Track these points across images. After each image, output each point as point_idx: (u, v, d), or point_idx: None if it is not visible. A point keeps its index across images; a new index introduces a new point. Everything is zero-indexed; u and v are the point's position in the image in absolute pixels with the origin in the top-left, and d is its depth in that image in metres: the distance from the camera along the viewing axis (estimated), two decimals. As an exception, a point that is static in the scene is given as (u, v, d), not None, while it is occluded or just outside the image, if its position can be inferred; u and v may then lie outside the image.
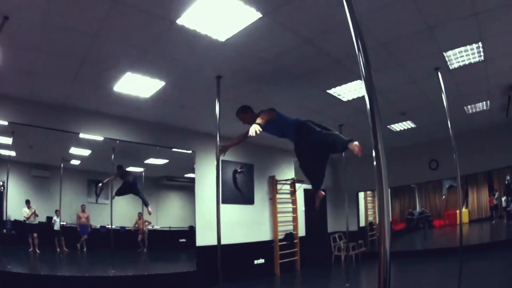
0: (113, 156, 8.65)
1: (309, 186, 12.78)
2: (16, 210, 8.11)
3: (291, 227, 11.92)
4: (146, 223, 10.44)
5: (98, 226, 9.24)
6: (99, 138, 8.10)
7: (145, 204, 9.86)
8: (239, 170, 10.53)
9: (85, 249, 9.30)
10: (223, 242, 5.61)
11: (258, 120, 4.70)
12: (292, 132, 5.17)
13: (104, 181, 9.22)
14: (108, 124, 8.15)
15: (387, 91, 7.25)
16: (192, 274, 8.81)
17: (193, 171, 9.57)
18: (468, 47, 5.65)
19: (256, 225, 10.85)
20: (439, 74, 6.03)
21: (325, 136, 4.64)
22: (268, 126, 5.01)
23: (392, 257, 1.61)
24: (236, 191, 10.49)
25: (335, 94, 7.39)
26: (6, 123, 6.92)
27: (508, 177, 15.01)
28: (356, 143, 4.31)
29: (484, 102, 8.49)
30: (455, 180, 5.90)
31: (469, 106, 8.67)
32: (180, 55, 5.50)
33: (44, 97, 7.04)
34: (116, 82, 6.38)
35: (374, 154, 1.67)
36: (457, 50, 5.72)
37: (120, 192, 9.20)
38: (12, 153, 7.86)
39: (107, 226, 8.98)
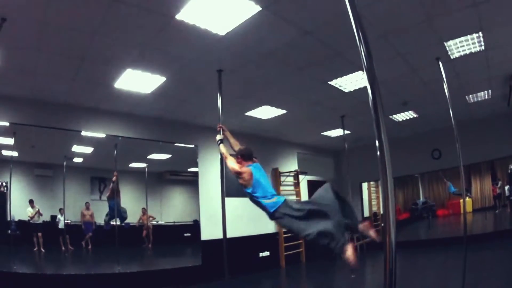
0: (115, 153, 8.64)
1: (312, 177, 12.87)
2: (20, 210, 8.13)
3: (295, 219, 11.87)
4: (150, 218, 10.47)
5: (103, 223, 9.26)
6: (101, 135, 8.10)
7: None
8: (242, 163, 10.50)
9: (90, 247, 9.33)
10: (228, 235, 5.61)
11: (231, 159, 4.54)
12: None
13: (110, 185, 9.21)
14: (110, 121, 8.16)
15: (388, 81, 7.22)
16: (198, 268, 8.83)
17: (196, 165, 9.57)
18: (469, 36, 5.64)
19: (260, 217, 10.67)
20: (440, 63, 6.00)
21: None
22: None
23: (396, 247, 1.61)
24: (240, 184, 10.45)
25: (337, 86, 7.37)
26: (7, 124, 6.93)
27: (511, 166, 15.02)
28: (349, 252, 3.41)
29: (486, 92, 8.47)
30: (458, 169, 5.87)
31: (470, 96, 8.66)
32: (180, 50, 5.50)
33: (45, 96, 7.05)
34: (116, 79, 6.39)
35: (377, 144, 1.67)
36: (457, 40, 5.71)
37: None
38: (15, 154, 7.87)
39: (111, 223, 9.00)
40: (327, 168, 14.68)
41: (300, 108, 8.69)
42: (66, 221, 8.86)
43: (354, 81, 7.18)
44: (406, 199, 18.35)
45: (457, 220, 16.13)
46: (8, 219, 7.85)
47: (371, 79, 1.75)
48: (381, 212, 15.20)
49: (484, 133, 10.72)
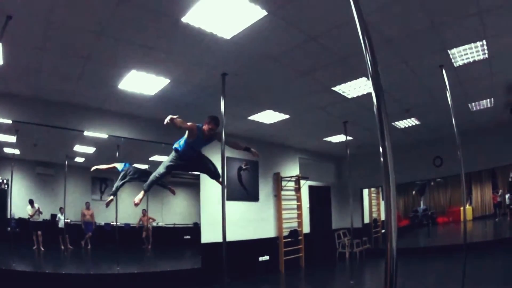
0: (117, 154, 8.64)
1: (313, 183, 12.88)
2: (20, 208, 8.14)
3: (295, 224, 11.94)
4: (151, 220, 10.48)
5: (103, 223, 9.28)
6: (104, 135, 8.09)
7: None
8: (244, 167, 10.52)
9: (89, 246, 9.34)
10: (228, 239, 5.62)
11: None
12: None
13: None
14: (113, 122, 8.16)
15: (391, 88, 7.22)
16: (197, 271, 8.82)
17: (198, 168, 9.53)
18: (473, 44, 5.63)
19: (261, 222, 10.86)
20: (444, 71, 6.01)
21: None
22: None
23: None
24: (241, 188, 10.49)
25: (340, 91, 7.37)
26: (10, 121, 6.94)
27: (511, 174, 15.05)
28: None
29: (488, 100, 8.45)
30: (459, 177, 5.88)
31: (473, 104, 8.64)
32: (185, 53, 5.51)
33: (49, 95, 7.06)
34: (120, 80, 6.39)
35: (381, 151, 1.67)
36: (461, 47, 5.71)
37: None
38: (16, 152, 7.89)
39: (111, 223, 9.01)
40: (329, 173, 14.67)
41: (303, 113, 8.68)
42: (66, 220, 8.88)
43: (358, 87, 7.18)
44: (407, 206, 18.33)
45: (457, 228, 16.14)
46: (8, 216, 7.87)
47: (376, 86, 1.76)
48: (382, 218, 15.24)
49: (485, 141, 10.69)
